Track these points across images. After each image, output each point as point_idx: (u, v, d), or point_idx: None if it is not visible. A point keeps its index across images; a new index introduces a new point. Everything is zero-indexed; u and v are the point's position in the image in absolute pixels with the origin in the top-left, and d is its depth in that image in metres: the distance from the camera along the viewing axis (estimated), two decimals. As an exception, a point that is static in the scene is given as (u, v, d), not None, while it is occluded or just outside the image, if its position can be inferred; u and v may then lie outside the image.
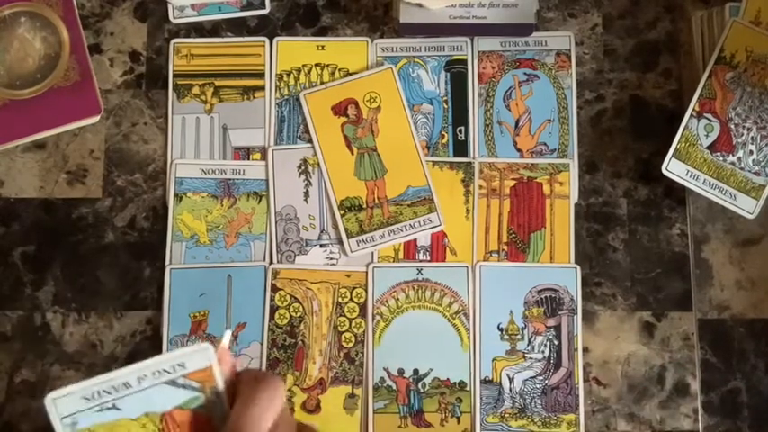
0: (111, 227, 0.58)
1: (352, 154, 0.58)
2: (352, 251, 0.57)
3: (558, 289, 0.57)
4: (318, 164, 0.58)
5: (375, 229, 0.57)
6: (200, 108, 0.59)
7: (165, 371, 0.37)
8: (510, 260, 0.58)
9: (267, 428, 0.36)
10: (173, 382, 0.38)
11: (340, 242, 0.57)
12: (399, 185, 0.58)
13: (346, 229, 0.57)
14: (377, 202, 0.58)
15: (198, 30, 0.61)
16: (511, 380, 0.56)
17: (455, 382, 0.56)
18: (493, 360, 0.56)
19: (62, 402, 0.37)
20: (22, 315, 0.57)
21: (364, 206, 0.58)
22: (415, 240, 0.58)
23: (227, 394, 0.37)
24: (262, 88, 0.59)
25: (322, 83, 0.60)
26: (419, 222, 0.57)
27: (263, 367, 0.56)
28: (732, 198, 0.56)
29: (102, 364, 0.57)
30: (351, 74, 0.60)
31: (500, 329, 0.57)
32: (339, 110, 0.59)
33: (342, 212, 0.58)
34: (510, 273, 0.57)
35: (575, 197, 0.58)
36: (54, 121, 0.58)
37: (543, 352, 0.56)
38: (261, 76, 0.60)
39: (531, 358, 0.56)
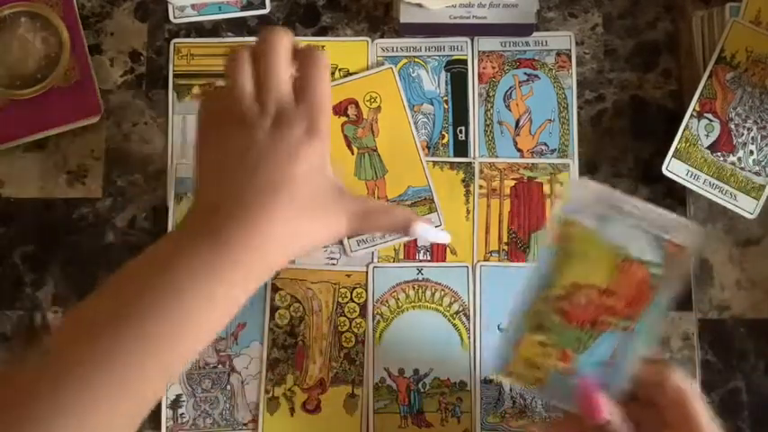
0: (112, 227, 0.58)
1: (353, 154, 0.58)
2: (352, 251, 0.57)
3: (559, 289, 0.57)
4: None
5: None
6: (201, 108, 0.59)
7: (654, 224, 0.41)
8: (510, 260, 0.58)
9: None
10: (655, 238, 0.41)
11: (340, 242, 0.57)
12: (400, 185, 0.58)
13: None
14: None
15: (198, 30, 0.60)
16: (511, 380, 0.56)
17: (455, 382, 0.56)
18: (493, 360, 0.56)
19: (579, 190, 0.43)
20: (22, 315, 0.57)
21: None
22: (416, 240, 0.58)
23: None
24: (262, 88, 0.59)
25: (322, 83, 0.60)
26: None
27: (263, 368, 0.56)
28: (732, 198, 0.56)
29: (102, 365, 0.56)
30: (351, 74, 0.60)
31: (500, 329, 0.57)
32: (339, 110, 0.59)
33: None
34: (510, 273, 0.57)
35: (575, 197, 0.58)
36: (54, 121, 0.58)
37: (543, 352, 0.56)
38: (261, 76, 0.60)
39: (531, 358, 0.56)
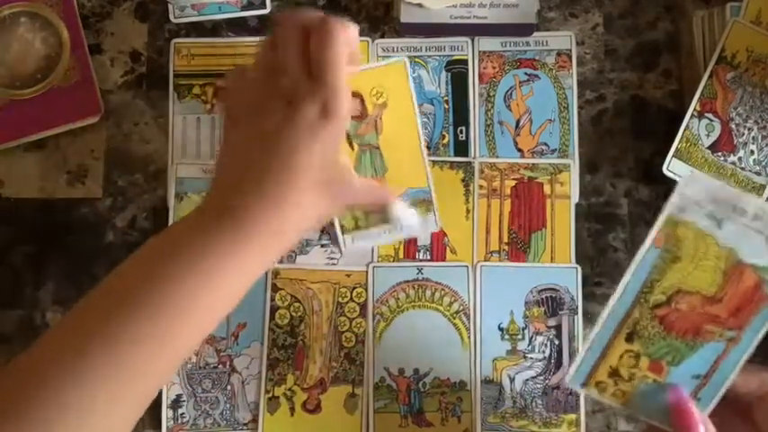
0: (112, 227, 0.58)
1: (353, 150, 0.58)
2: (346, 247, 0.57)
3: (559, 289, 0.57)
4: None
5: (371, 227, 0.57)
6: (201, 108, 0.59)
7: None
8: (510, 260, 0.58)
9: None
10: None
11: (336, 238, 0.57)
12: (399, 185, 0.57)
13: (342, 226, 0.57)
14: None
15: (198, 30, 0.60)
16: (511, 380, 0.56)
17: (455, 382, 0.56)
18: (493, 360, 0.56)
19: (693, 186, 0.39)
20: (22, 315, 0.57)
21: None
22: (416, 240, 0.58)
23: None
24: (262, 88, 0.59)
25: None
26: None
27: (263, 368, 0.56)
28: (733, 198, 0.56)
29: (102, 365, 0.56)
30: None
31: (501, 329, 0.57)
32: None
33: None
34: (510, 273, 0.57)
35: (575, 197, 0.58)
36: (54, 121, 0.58)
37: (544, 352, 0.56)
38: (261, 75, 0.59)
39: (531, 358, 0.56)
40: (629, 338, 0.41)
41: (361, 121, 0.57)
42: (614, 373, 0.42)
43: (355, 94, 0.57)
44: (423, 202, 0.57)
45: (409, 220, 0.53)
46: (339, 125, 0.45)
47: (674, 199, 0.40)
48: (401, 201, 0.53)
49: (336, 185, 0.46)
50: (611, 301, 0.42)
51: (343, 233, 0.57)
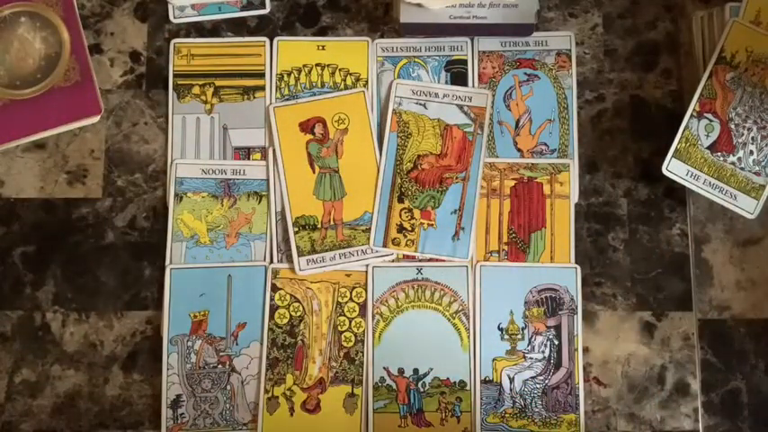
0: (112, 227, 0.58)
1: (314, 172, 0.58)
2: (300, 269, 0.57)
3: (559, 289, 0.57)
4: (278, 179, 0.58)
5: (327, 251, 0.57)
6: (201, 108, 0.59)
7: (458, 97, 0.57)
8: (510, 260, 0.58)
9: None
10: (461, 107, 0.57)
11: (290, 258, 0.57)
12: (356, 210, 0.58)
13: (298, 247, 0.57)
14: (332, 223, 0.57)
15: (198, 30, 0.61)
16: (511, 380, 0.56)
17: (455, 382, 0.56)
18: (493, 360, 0.56)
19: (399, 88, 0.58)
20: (22, 315, 0.57)
21: (319, 226, 0.58)
22: (416, 240, 0.58)
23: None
24: (262, 88, 0.59)
25: (322, 84, 0.60)
26: (372, 249, 0.57)
27: (263, 368, 0.56)
28: (732, 198, 0.56)
29: (102, 365, 0.57)
30: (351, 74, 0.60)
31: (500, 329, 0.57)
32: (306, 127, 0.59)
33: (296, 230, 0.57)
34: (510, 273, 0.57)
35: (575, 197, 0.58)
36: (54, 121, 0.58)
37: (543, 352, 0.56)
38: (261, 76, 0.60)
39: (531, 358, 0.56)
40: (401, 200, 0.56)
41: (323, 144, 0.57)
42: (401, 228, 0.56)
43: (319, 119, 0.58)
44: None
45: None
46: None
47: (393, 99, 0.57)
48: None
49: None
50: (380, 174, 0.56)
51: (298, 255, 0.57)
